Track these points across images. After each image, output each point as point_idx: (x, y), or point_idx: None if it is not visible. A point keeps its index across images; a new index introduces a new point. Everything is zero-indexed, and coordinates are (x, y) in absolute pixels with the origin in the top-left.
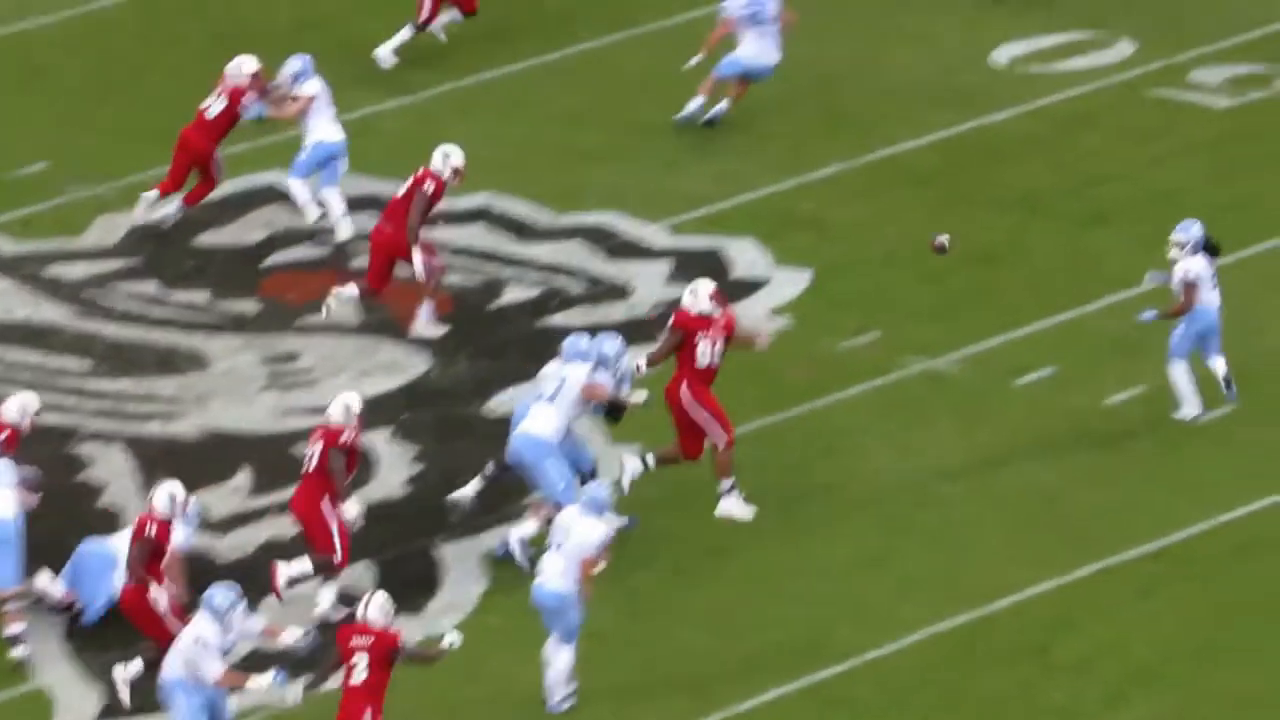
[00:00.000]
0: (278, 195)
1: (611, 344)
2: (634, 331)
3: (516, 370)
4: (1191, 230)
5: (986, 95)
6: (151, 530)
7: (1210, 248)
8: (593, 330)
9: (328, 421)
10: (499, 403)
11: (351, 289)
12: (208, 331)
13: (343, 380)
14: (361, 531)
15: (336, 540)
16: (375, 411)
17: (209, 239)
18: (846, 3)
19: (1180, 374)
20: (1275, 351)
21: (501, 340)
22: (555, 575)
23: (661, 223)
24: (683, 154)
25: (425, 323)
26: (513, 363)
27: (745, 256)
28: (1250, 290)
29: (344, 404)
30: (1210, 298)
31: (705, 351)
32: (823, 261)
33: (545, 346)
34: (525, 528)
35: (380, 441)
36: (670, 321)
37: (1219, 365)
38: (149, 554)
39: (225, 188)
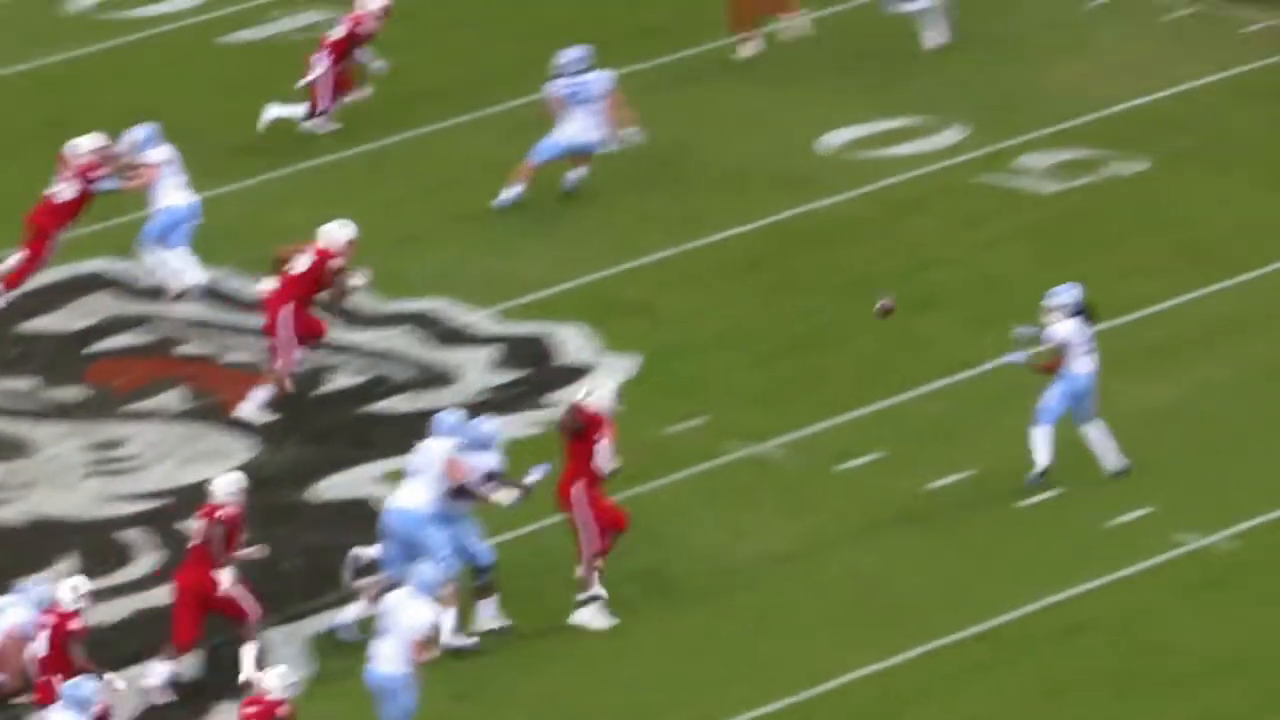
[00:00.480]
0: (104, 282)
1: (489, 425)
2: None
3: (342, 456)
4: (1068, 294)
5: (817, 180)
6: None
7: (1087, 313)
8: (422, 415)
9: (212, 499)
10: (324, 488)
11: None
12: (33, 418)
13: (168, 467)
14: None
15: (246, 600)
16: (201, 499)
17: (35, 325)
18: (677, 86)
19: (1041, 437)
20: (1061, 456)
21: (327, 426)
22: (387, 658)
23: (490, 308)
24: (513, 239)
25: (255, 406)
26: (338, 449)
27: (573, 342)
28: None
29: (228, 482)
30: (1083, 364)
31: (604, 451)
32: (651, 347)
33: (370, 433)
34: (356, 609)
35: None
36: (579, 418)
37: (1092, 431)
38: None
39: (52, 273)
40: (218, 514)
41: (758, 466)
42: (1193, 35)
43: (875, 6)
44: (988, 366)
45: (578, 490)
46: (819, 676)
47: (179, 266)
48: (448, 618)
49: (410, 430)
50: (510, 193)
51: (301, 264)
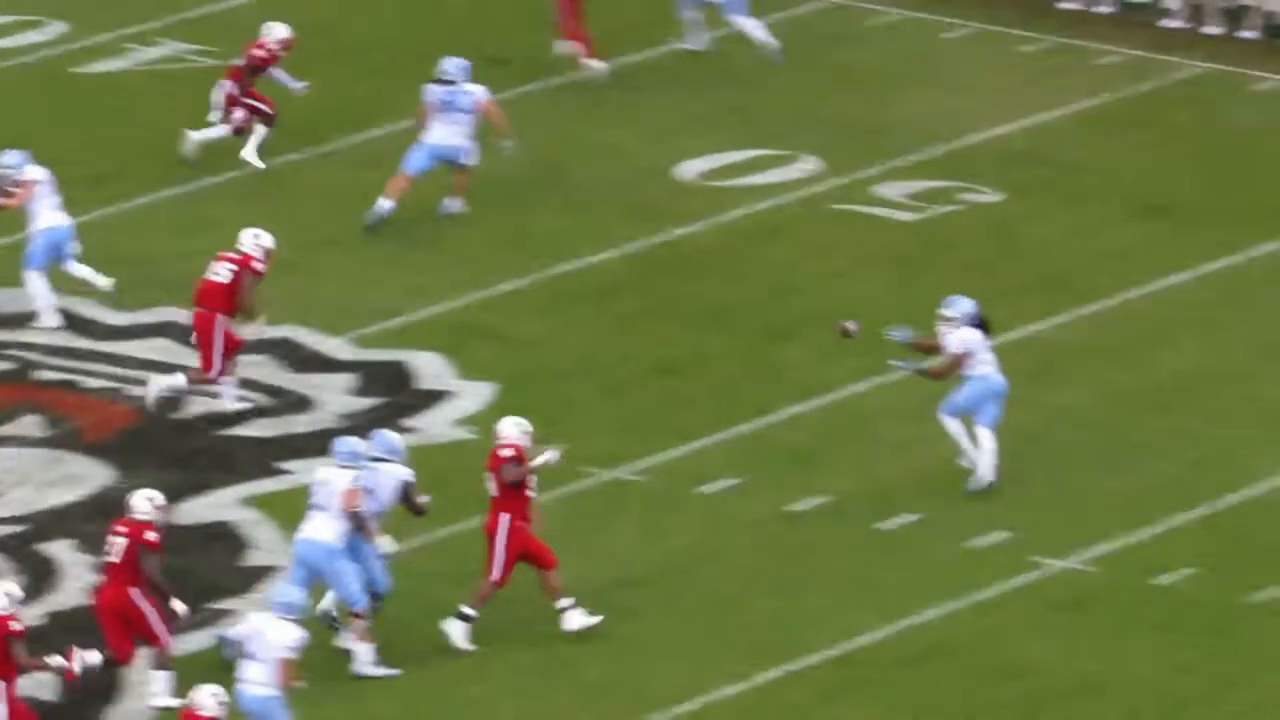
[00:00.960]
0: None
1: (395, 437)
2: (321, 442)
3: (201, 480)
4: (965, 304)
5: (672, 209)
6: None
7: (985, 325)
8: (281, 441)
9: (131, 516)
10: (184, 512)
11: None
12: None
13: (26, 491)
14: (44, 641)
15: (160, 626)
16: (59, 523)
17: None
18: (532, 115)
19: (954, 427)
20: (923, 478)
21: (187, 451)
22: (257, 681)
23: (346, 336)
24: (369, 267)
25: (165, 385)
26: (198, 473)
27: (430, 369)
28: (933, 401)
29: (145, 498)
30: (991, 368)
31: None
32: (507, 374)
33: (229, 457)
34: (362, 651)
35: (64, 552)
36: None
37: (984, 437)
38: None
39: None
40: (148, 534)
41: (615, 492)
42: (1048, 67)
43: (735, 39)
44: (845, 392)
45: (504, 521)
46: (676, 699)
47: (41, 291)
48: (365, 650)
49: (270, 454)
50: (384, 206)
51: (224, 273)
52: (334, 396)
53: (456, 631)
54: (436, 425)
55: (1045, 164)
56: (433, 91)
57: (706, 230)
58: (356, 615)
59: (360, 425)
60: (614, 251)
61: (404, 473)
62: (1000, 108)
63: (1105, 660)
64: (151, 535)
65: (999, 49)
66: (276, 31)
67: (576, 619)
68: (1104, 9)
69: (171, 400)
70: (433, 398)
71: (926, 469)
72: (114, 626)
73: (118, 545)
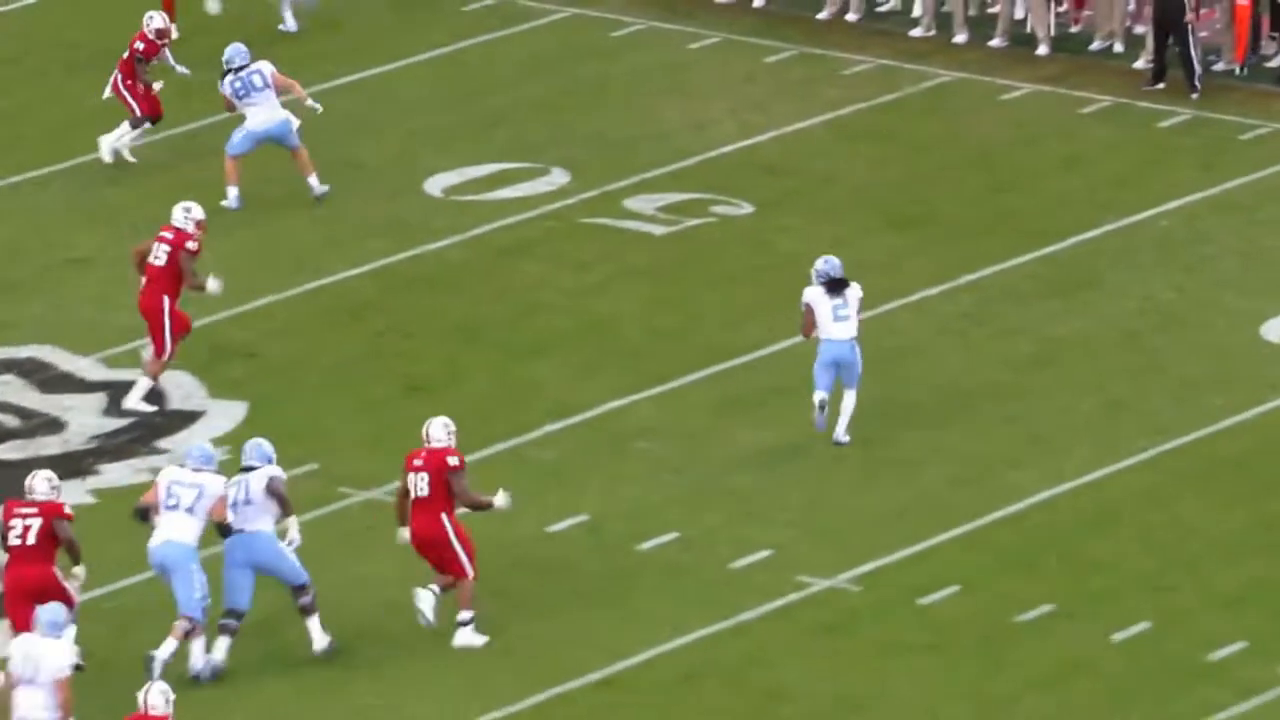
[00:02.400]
0: None
1: (266, 445)
2: (72, 464)
3: None
4: (827, 264)
5: (422, 224)
6: None
7: (835, 283)
8: (29, 463)
9: (34, 497)
10: None
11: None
12: None
13: None
14: None
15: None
16: None
17: None
18: None
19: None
20: (717, 477)
21: None
22: (36, 709)
23: (94, 355)
24: (114, 287)
25: (137, 399)
26: None
27: (180, 389)
28: (703, 413)
29: (45, 478)
30: (834, 330)
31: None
32: (258, 393)
33: None
34: (165, 648)
35: None
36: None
37: (846, 401)
38: None
39: None
40: (66, 509)
41: (371, 513)
42: (796, 77)
43: (480, 49)
44: (600, 409)
45: (447, 521)
46: None
47: None
48: (196, 648)
49: (17, 477)
50: (232, 194)
51: (161, 255)
52: (85, 418)
53: (466, 638)
54: (189, 445)
55: (795, 175)
56: (225, 85)
57: (456, 246)
58: (191, 621)
59: (111, 447)
60: (364, 268)
61: (275, 472)
62: (749, 118)
63: (868, 682)
64: (68, 510)
65: (746, 59)
66: (154, 21)
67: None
68: (851, 17)
69: (156, 396)
70: (185, 418)
71: (685, 487)
72: (19, 606)
73: (28, 527)
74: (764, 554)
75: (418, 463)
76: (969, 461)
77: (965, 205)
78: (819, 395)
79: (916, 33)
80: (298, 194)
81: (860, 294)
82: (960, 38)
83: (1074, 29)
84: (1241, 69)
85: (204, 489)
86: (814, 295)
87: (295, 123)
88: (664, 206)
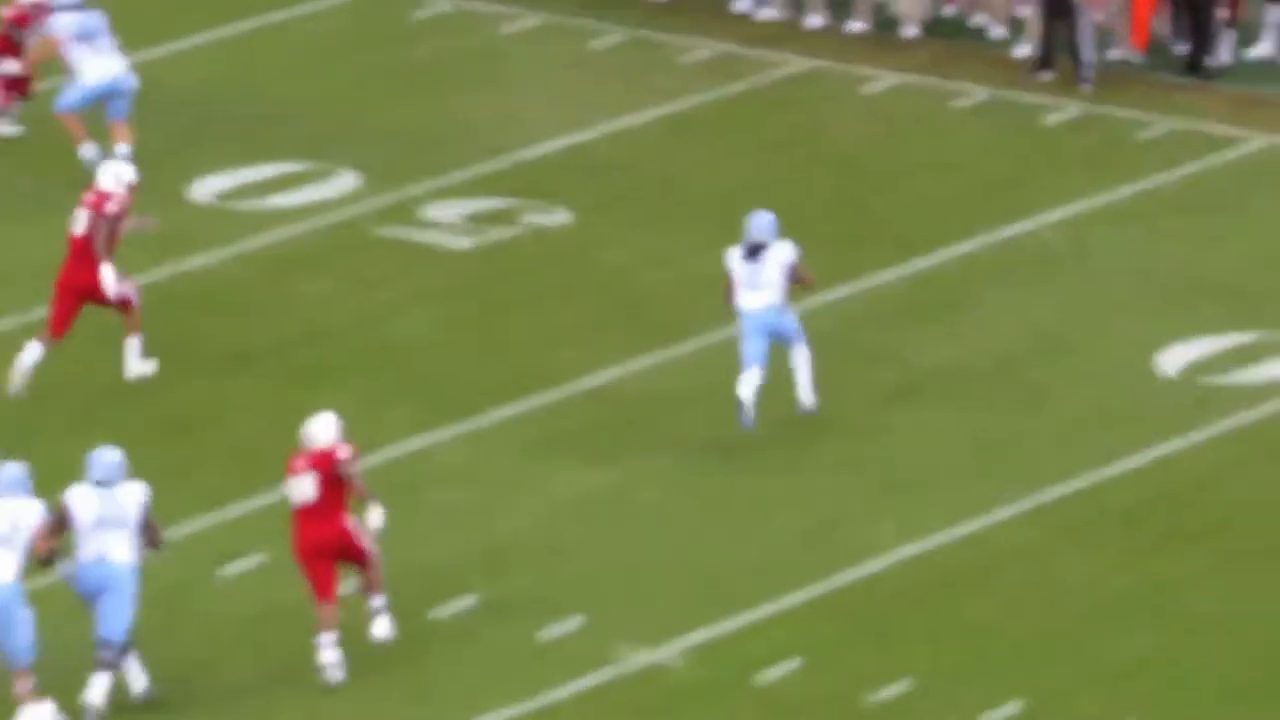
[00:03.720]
0: None
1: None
2: None
3: None
4: (750, 223)
5: (187, 235)
6: None
7: (753, 250)
8: None
9: None
10: None
11: (33, 350)
12: None
13: None
14: None
15: None
16: None
17: None
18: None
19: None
20: (525, 531)
21: None
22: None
23: None
24: None
25: (136, 361)
26: None
27: None
28: (511, 454)
29: None
30: (748, 299)
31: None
32: None
33: None
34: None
35: None
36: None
37: (797, 359)
38: None
39: None
40: None
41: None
42: (626, 66)
43: (266, 32)
44: (392, 451)
45: (354, 523)
46: None
47: None
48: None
49: None
50: (89, 151)
51: (81, 222)
52: None
53: (386, 627)
54: None
55: (623, 178)
56: (61, 24)
57: (225, 261)
58: (22, 673)
59: None
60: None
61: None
62: (570, 113)
63: None
64: None
65: (568, 44)
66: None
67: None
68: None
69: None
70: None
71: (487, 542)
72: None
73: None
74: (576, 621)
75: (300, 464)
76: (818, 512)
77: (820, 214)
78: (745, 382)
79: (765, 14)
80: (42, 195)
81: (790, 257)
82: (815, 20)
83: (947, 10)
84: (1140, 57)
85: (17, 521)
86: (731, 260)
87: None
88: (470, 215)
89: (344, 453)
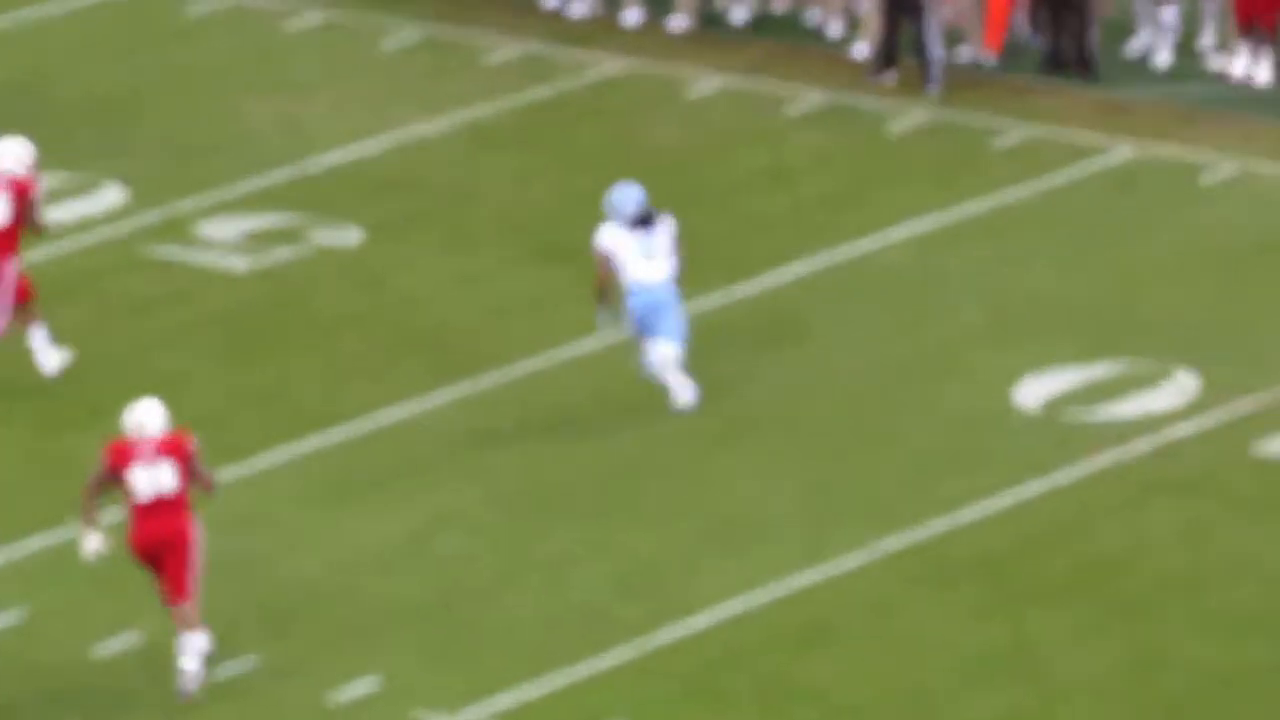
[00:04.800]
0: None
1: None
2: None
3: None
4: (622, 195)
5: None
6: None
7: (642, 219)
8: None
9: None
10: None
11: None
12: None
13: None
14: None
15: None
16: None
17: None
18: None
19: (655, 363)
20: (311, 583)
21: None
22: None
23: None
24: None
25: (50, 349)
26: None
27: None
28: (295, 500)
29: None
30: (645, 270)
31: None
32: None
33: None
34: None
35: None
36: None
37: (665, 353)
38: None
39: None
40: None
41: None
42: (421, 67)
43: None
44: None
45: (198, 527)
46: None
47: None
48: None
49: None
50: None
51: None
52: None
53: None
54: None
55: (418, 193)
56: None
57: None
58: None
59: None
60: None
61: None
62: (360, 120)
63: None
64: None
65: (357, 44)
66: None
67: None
68: None
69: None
70: None
71: (267, 597)
72: None
73: None
74: (370, 683)
75: (148, 454)
76: (638, 561)
77: None
78: (658, 349)
79: (577, 10)
80: None
81: (674, 230)
82: (632, 17)
83: (777, 5)
84: (993, 59)
85: None
86: (613, 236)
87: None
88: (250, 233)
89: (193, 440)
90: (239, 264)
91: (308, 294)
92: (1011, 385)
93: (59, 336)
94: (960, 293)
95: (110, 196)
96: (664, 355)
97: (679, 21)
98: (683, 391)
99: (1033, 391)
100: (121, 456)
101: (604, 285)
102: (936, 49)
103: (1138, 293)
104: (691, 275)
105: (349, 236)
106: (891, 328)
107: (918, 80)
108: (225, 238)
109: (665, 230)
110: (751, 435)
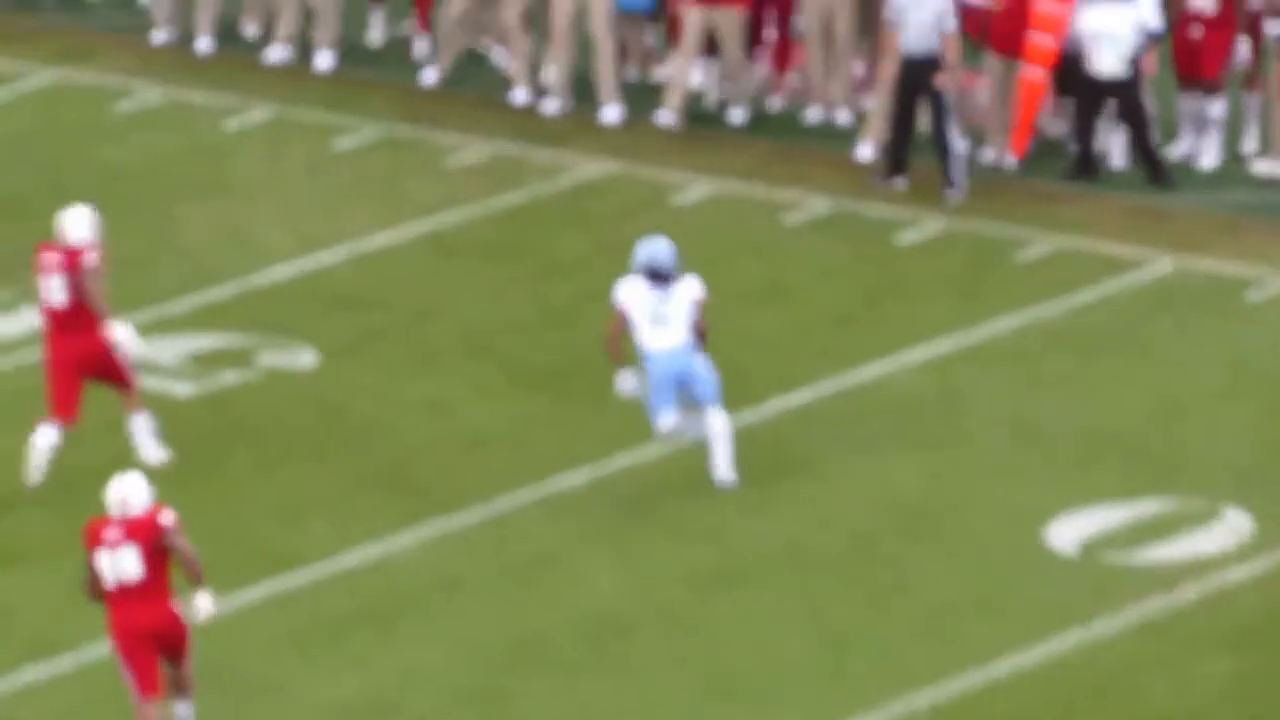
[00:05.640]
0: None
1: None
2: None
3: None
4: (647, 250)
5: None
6: None
7: (656, 274)
8: None
9: None
10: None
11: (49, 434)
12: None
13: None
14: None
15: None
16: None
17: None
18: None
19: (668, 433)
20: None
21: None
22: None
23: None
24: None
25: (154, 442)
26: None
27: None
28: (260, 654)
29: None
30: (652, 338)
31: None
32: None
33: None
34: None
35: None
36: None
37: (713, 425)
38: None
39: None
40: None
41: None
42: (377, 170)
43: None
44: (98, 650)
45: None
46: None
47: None
48: None
49: None
50: None
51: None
52: None
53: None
54: None
55: (377, 310)
56: None
57: None
58: None
59: None
60: None
61: None
62: (311, 230)
63: None
64: None
65: (307, 145)
66: None
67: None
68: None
69: None
70: None
71: None
72: None
73: None
74: None
75: (114, 536)
76: None
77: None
78: (664, 420)
79: (550, 107)
80: None
81: (698, 293)
82: (611, 114)
83: (774, 101)
84: (1016, 164)
85: None
86: (630, 290)
87: None
88: (192, 354)
89: (167, 519)
90: (181, 389)
91: (258, 422)
92: (1043, 524)
93: None
94: (983, 421)
95: (32, 315)
96: (712, 426)
97: (666, 118)
98: (724, 467)
99: (1067, 531)
100: (91, 538)
101: (615, 343)
102: (959, 144)
103: (1181, 421)
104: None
105: (302, 359)
106: (907, 460)
107: (929, 185)
108: (165, 360)
109: (685, 293)
110: (753, 579)
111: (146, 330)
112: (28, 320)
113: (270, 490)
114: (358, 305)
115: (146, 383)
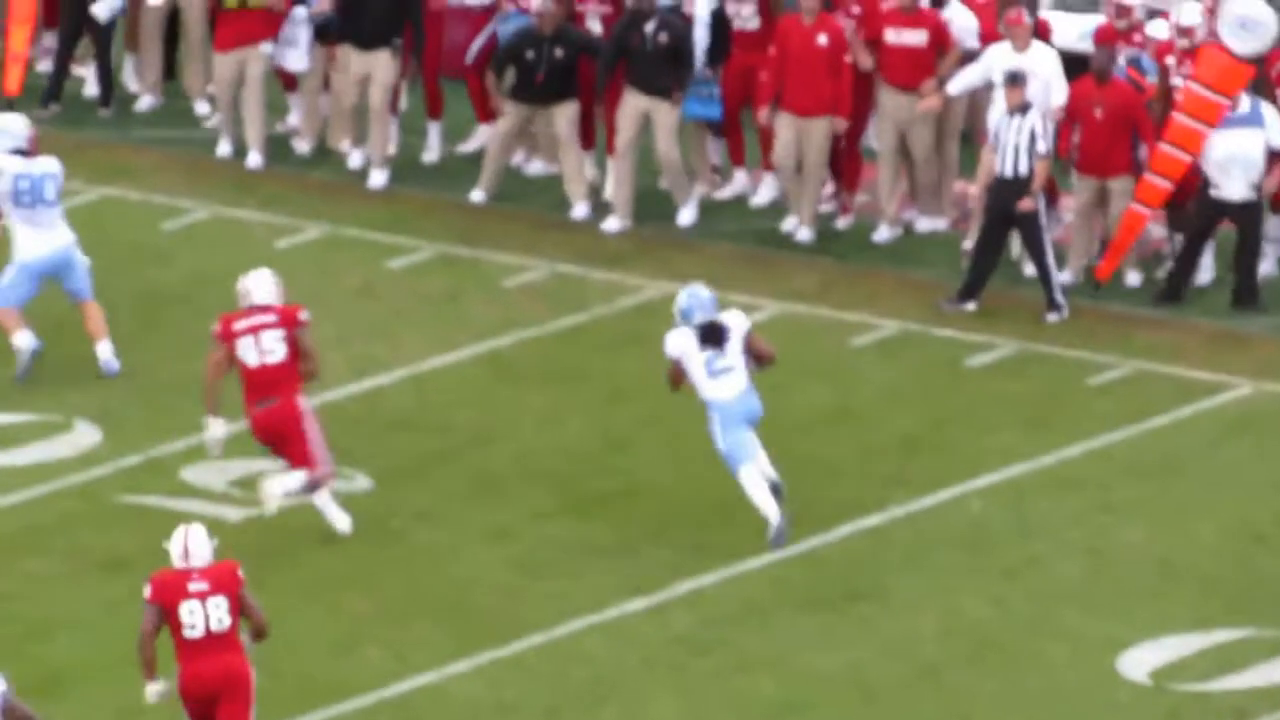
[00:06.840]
0: None
1: None
2: None
3: None
4: (690, 301)
5: None
6: None
7: (710, 334)
8: None
9: None
10: None
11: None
12: None
13: None
14: None
15: None
16: None
17: None
18: None
19: (750, 482)
20: None
21: None
22: None
23: None
24: None
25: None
26: None
27: None
28: None
29: None
30: (714, 390)
31: None
32: None
33: None
34: None
35: None
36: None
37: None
38: None
39: None
40: None
41: None
42: (433, 291)
43: None
44: None
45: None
46: None
47: None
48: None
49: None
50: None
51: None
52: None
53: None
54: None
55: (435, 434)
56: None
57: None
58: None
59: None
60: None
61: None
62: (366, 350)
63: None
64: None
65: (360, 264)
66: None
67: None
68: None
69: None
70: None
71: None
72: None
73: None
74: None
75: (199, 587)
76: None
77: (694, 479)
78: (753, 486)
79: (610, 226)
80: None
81: (745, 327)
82: (687, 217)
83: (841, 221)
84: (1098, 287)
85: None
86: (681, 345)
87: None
88: (239, 479)
89: (240, 569)
90: (229, 514)
91: (309, 548)
92: (1115, 653)
93: (18, 597)
94: (1054, 549)
95: (81, 438)
96: (748, 478)
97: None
98: (772, 516)
99: (1140, 660)
100: (172, 590)
101: (676, 382)
102: (1055, 267)
103: (1258, 550)
104: (738, 531)
105: (355, 484)
106: (976, 587)
107: (997, 306)
108: (212, 484)
109: (736, 335)
110: (821, 709)
111: (195, 455)
112: (71, 442)
113: (321, 617)
114: (413, 428)
115: (194, 506)
